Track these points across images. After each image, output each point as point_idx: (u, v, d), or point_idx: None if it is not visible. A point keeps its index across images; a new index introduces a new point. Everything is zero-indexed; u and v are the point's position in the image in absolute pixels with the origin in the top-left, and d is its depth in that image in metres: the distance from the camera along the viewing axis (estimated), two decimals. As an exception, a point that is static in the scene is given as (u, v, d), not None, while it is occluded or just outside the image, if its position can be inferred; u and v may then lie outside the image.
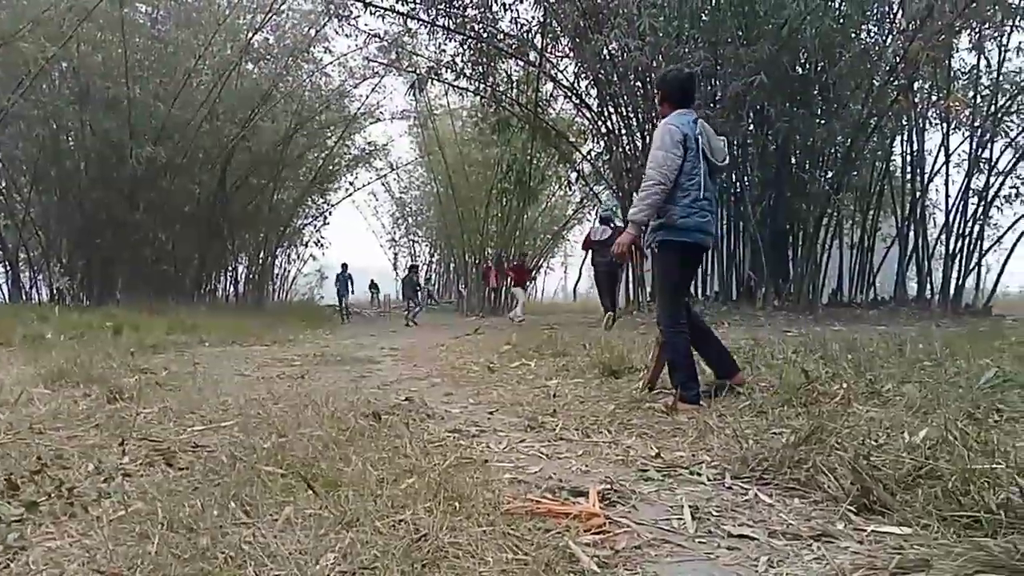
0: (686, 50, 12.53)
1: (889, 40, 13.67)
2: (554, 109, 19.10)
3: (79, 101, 16.17)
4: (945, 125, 15.43)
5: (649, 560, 1.75)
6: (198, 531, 1.82)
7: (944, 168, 15.48)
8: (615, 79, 14.44)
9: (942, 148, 15.46)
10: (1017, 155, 14.78)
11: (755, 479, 2.39)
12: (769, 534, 1.89)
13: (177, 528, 1.85)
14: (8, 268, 17.94)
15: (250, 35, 18.48)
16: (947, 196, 15.40)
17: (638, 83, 14.47)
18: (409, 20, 16.16)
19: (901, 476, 2.09)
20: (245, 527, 1.87)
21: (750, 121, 14.23)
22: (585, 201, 25.06)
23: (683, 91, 4.00)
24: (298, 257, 28.42)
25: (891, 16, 13.91)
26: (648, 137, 14.86)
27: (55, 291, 17.64)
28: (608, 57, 13.80)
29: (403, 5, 15.12)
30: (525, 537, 1.80)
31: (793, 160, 14.86)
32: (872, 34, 14.40)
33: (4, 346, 7.12)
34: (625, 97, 14.85)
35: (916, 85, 14.48)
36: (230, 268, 23.51)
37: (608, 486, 2.34)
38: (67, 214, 17.68)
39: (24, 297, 17.35)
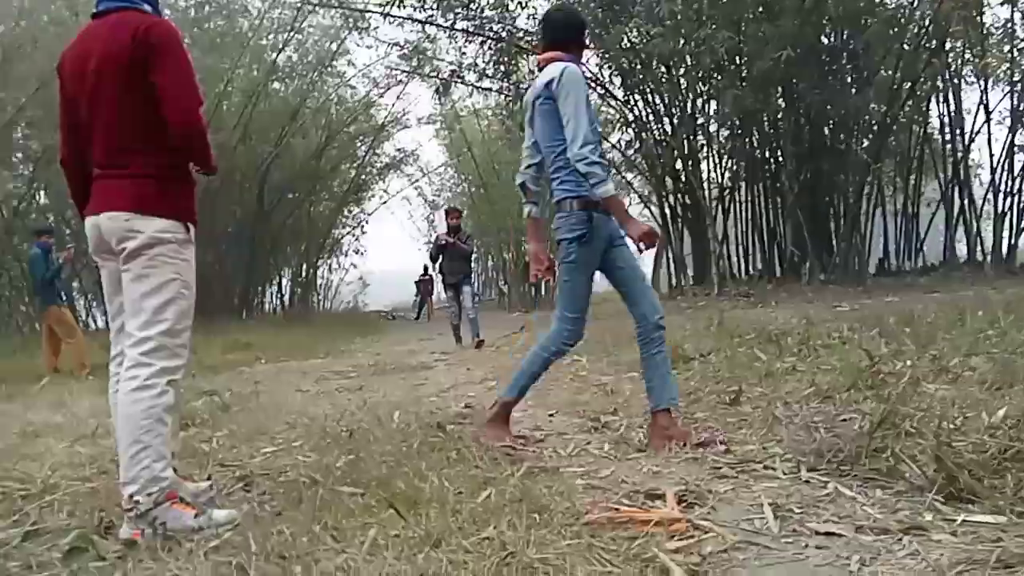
0: (709, 31, 12.34)
1: (917, 2, 13.30)
2: (579, 101, 18.99)
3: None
4: (983, 82, 14.98)
5: (738, 564, 1.73)
6: (291, 559, 1.86)
7: (985, 126, 15.07)
8: (639, 67, 14.32)
9: (981, 106, 15.05)
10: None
11: (832, 471, 2.34)
12: (856, 529, 1.85)
13: (271, 558, 1.89)
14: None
15: (275, 55, 18.80)
16: (991, 154, 14.99)
17: (661, 68, 14.33)
18: (427, 26, 16.25)
19: (986, 460, 2.04)
20: (335, 553, 1.91)
21: (779, 97, 14.00)
22: (618, 190, 24.85)
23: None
24: (339, 266, 28.80)
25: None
26: (676, 120, 14.75)
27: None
28: (630, 46, 13.68)
29: (420, 12, 15.19)
30: (611, 548, 1.79)
31: (827, 132, 14.57)
32: (898, -2, 14.01)
33: (73, 378, 7.33)
34: (651, 84, 14.72)
35: (948, 45, 14.06)
36: (274, 282, 23.95)
37: (683, 487, 2.33)
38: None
39: (82, 326, 17.79)
